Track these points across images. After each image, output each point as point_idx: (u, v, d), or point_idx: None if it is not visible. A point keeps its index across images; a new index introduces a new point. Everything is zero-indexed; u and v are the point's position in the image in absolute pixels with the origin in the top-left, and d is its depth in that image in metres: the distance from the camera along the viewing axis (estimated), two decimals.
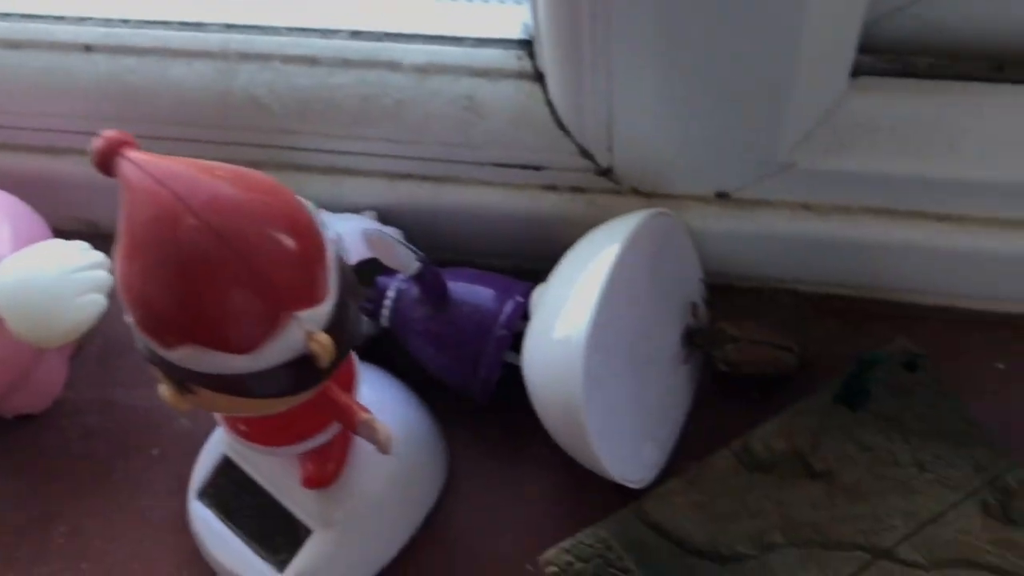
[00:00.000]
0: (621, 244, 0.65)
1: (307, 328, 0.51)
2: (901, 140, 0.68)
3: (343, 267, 0.55)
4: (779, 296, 0.79)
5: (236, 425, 0.62)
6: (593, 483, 0.66)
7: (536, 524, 0.72)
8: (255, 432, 0.62)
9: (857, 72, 0.68)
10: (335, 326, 0.53)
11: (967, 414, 0.70)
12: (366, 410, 0.60)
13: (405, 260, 0.67)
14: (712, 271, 0.76)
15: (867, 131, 0.69)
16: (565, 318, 0.64)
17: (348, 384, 0.63)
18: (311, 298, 0.51)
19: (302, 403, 0.57)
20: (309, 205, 0.53)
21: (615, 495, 0.69)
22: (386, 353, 0.75)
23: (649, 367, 0.70)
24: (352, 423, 0.59)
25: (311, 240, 0.52)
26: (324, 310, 0.52)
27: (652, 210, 0.69)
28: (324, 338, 0.51)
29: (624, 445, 0.68)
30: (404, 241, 0.68)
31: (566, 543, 0.68)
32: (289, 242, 0.50)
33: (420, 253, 0.68)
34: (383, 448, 0.59)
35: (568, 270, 0.67)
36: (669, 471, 0.71)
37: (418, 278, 0.68)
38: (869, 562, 0.66)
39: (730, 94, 0.66)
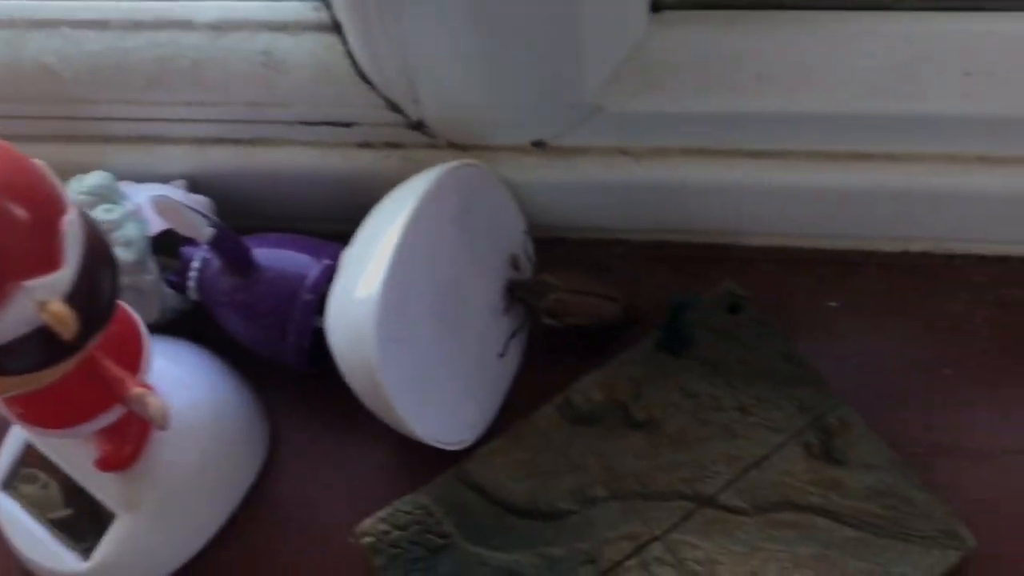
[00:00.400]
0: (417, 199, 0.63)
1: (38, 298, 0.48)
2: (708, 76, 0.66)
3: (92, 234, 0.51)
4: (611, 246, 0.77)
5: (13, 408, 0.59)
6: (424, 448, 0.64)
7: (366, 494, 0.70)
8: (32, 414, 0.59)
9: (658, 6, 0.66)
10: (78, 296, 0.50)
11: (793, 354, 0.69)
12: (143, 384, 0.57)
13: (197, 226, 0.64)
14: (538, 223, 0.74)
15: (673, 68, 0.66)
16: (364, 278, 0.62)
17: (133, 358, 0.60)
18: (41, 267, 0.48)
19: (71, 379, 0.53)
20: (43, 168, 0.50)
21: (445, 460, 0.67)
22: (201, 326, 0.72)
23: (466, 324, 0.68)
24: (122, 398, 0.56)
25: (40, 205, 0.48)
26: (60, 279, 0.49)
27: (455, 162, 0.66)
28: (58, 308, 0.48)
29: (438, 405, 0.65)
30: (197, 208, 0.65)
31: (383, 512, 0.66)
32: (13, 208, 0.47)
33: (213, 218, 0.65)
34: (159, 423, 0.56)
35: (370, 228, 0.65)
36: (496, 430, 0.69)
37: (215, 245, 0.65)
38: (693, 511, 0.64)
39: (525, 36, 0.63)
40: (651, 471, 0.66)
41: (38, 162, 0.50)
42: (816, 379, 0.68)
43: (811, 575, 0.61)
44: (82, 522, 0.66)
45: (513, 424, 0.68)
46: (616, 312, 0.71)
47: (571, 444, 0.67)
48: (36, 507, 0.67)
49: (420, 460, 0.69)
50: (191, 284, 0.69)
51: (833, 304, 0.73)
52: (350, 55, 0.69)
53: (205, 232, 0.64)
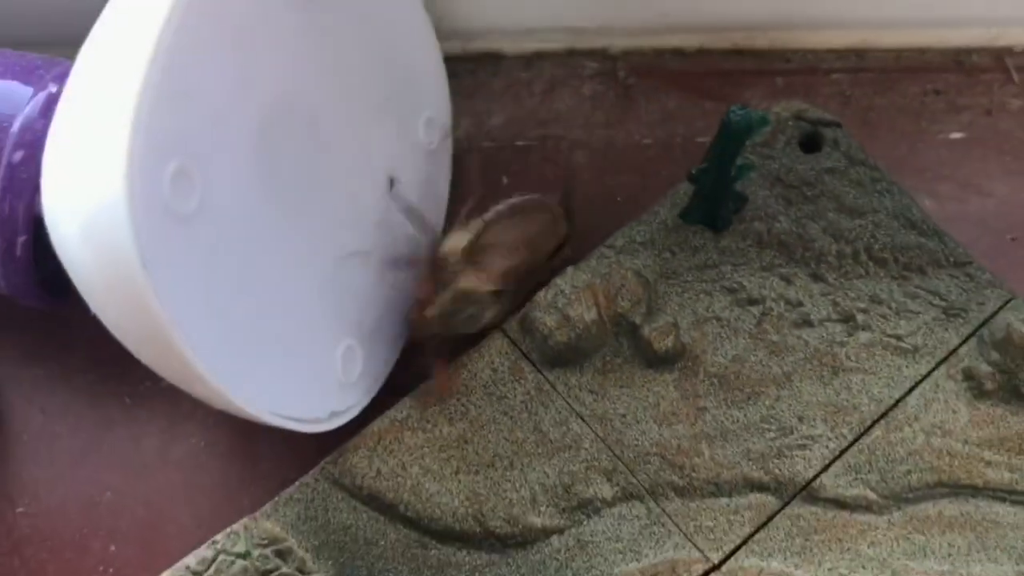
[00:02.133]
0: None
1: None
2: None
3: None
4: (577, 62, 0.46)
5: None
6: (265, 435, 0.38)
7: (158, 519, 0.39)
8: None
9: None
10: None
11: (922, 218, 0.39)
12: None
13: None
14: (457, 28, 0.43)
15: None
16: (106, 114, 0.29)
17: None
18: None
19: None
20: None
21: (304, 454, 0.36)
22: None
23: (321, 207, 0.36)
24: None
25: None
26: None
27: None
28: None
29: (280, 352, 0.34)
30: None
31: (191, 557, 0.35)
32: None
33: None
34: None
35: (119, 8, 0.32)
36: (393, 393, 0.38)
37: None
38: (775, 511, 0.35)
39: None
40: (692, 443, 0.36)
41: None
42: (963, 258, 0.38)
43: None
44: None
45: (428, 380, 0.37)
46: (562, 231, 0.39)
47: (541, 402, 0.36)
48: None
49: (263, 450, 0.38)
50: None
51: (956, 136, 0.43)
52: None
53: None
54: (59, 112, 0.32)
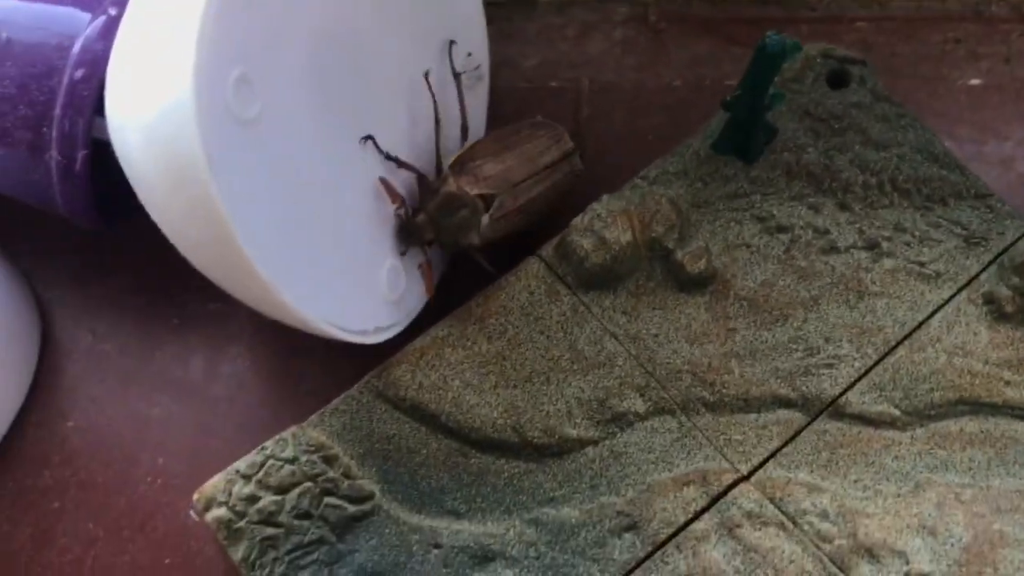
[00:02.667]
0: None
1: None
2: None
3: None
4: (611, 6, 0.47)
5: None
6: (312, 347, 0.40)
7: (209, 429, 0.40)
8: None
9: None
10: None
11: (944, 152, 0.40)
12: None
13: None
14: None
15: None
16: (172, 34, 0.31)
17: None
18: None
19: None
20: None
21: (351, 366, 0.38)
22: None
23: (364, 126, 0.38)
24: None
25: None
26: None
27: None
28: None
29: (333, 268, 0.36)
30: None
31: (242, 461, 0.36)
32: None
33: None
34: None
35: None
36: (437, 310, 0.39)
37: None
38: (803, 426, 0.36)
39: None
40: (722, 361, 0.37)
41: None
42: (983, 190, 0.40)
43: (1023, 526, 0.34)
44: None
45: (469, 299, 0.39)
46: (576, 168, 0.41)
47: (576, 322, 0.38)
48: None
49: (306, 369, 0.40)
50: None
51: (975, 82, 0.44)
52: None
53: None
54: (124, 25, 0.33)
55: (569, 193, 0.41)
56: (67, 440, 0.40)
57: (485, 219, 0.38)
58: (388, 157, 0.38)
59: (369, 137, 0.37)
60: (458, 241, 0.38)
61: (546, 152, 0.40)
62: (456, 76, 0.41)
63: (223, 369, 0.41)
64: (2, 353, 0.40)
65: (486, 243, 0.39)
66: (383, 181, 0.37)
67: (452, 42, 0.41)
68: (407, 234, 0.38)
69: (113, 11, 0.37)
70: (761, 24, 0.46)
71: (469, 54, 0.42)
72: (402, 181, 0.38)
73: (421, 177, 0.38)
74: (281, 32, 0.33)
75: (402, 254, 0.38)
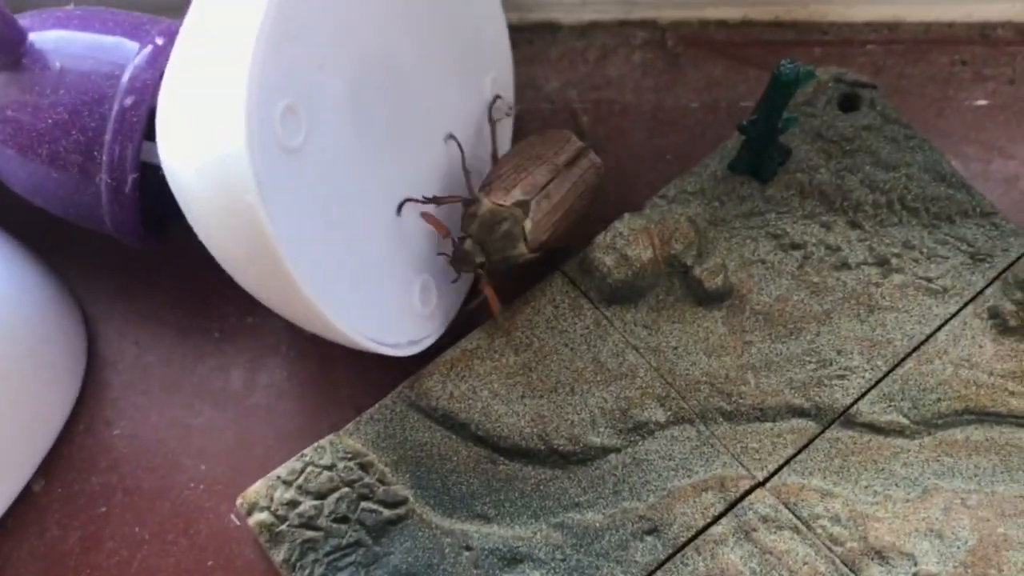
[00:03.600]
0: None
1: None
2: None
3: None
4: (628, 32, 0.49)
5: None
6: (348, 359, 0.42)
7: (248, 438, 0.42)
8: None
9: None
10: None
11: (951, 172, 0.42)
12: None
13: None
14: (521, 1, 0.46)
15: None
16: (222, 63, 0.33)
17: None
18: None
19: None
20: None
21: (385, 377, 0.39)
22: None
23: (407, 150, 0.40)
24: None
25: None
26: None
27: None
28: None
29: (370, 284, 0.37)
30: None
31: (282, 468, 0.38)
32: None
33: None
34: None
35: None
36: (466, 323, 0.41)
37: None
38: (815, 435, 0.38)
39: None
40: (739, 372, 0.39)
41: None
42: (988, 209, 0.41)
43: None
44: None
45: (497, 312, 0.41)
46: (588, 168, 0.43)
47: (599, 336, 0.40)
48: None
49: (341, 379, 0.41)
50: None
51: (981, 103, 0.46)
52: None
53: None
54: (175, 57, 0.35)
55: (599, 189, 0.42)
56: (113, 448, 0.42)
57: (528, 224, 0.40)
58: (427, 200, 0.39)
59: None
60: (507, 256, 0.39)
61: (560, 152, 0.42)
62: (492, 123, 0.43)
63: (262, 379, 0.43)
64: (51, 365, 0.42)
65: (535, 248, 0.40)
66: (427, 216, 0.39)
67: (497, 96, 0.43)
68: (459, 262, 0.40)
69: (160, 40, 0.39)
70: (775, 47, 0.48)
71: (499, 96, 0.44)
72: (444, 215, 0.40)
73: (465, 201, 0.40)
74: (325, 63, 0.35)
75: (453, 282, 0.40)
